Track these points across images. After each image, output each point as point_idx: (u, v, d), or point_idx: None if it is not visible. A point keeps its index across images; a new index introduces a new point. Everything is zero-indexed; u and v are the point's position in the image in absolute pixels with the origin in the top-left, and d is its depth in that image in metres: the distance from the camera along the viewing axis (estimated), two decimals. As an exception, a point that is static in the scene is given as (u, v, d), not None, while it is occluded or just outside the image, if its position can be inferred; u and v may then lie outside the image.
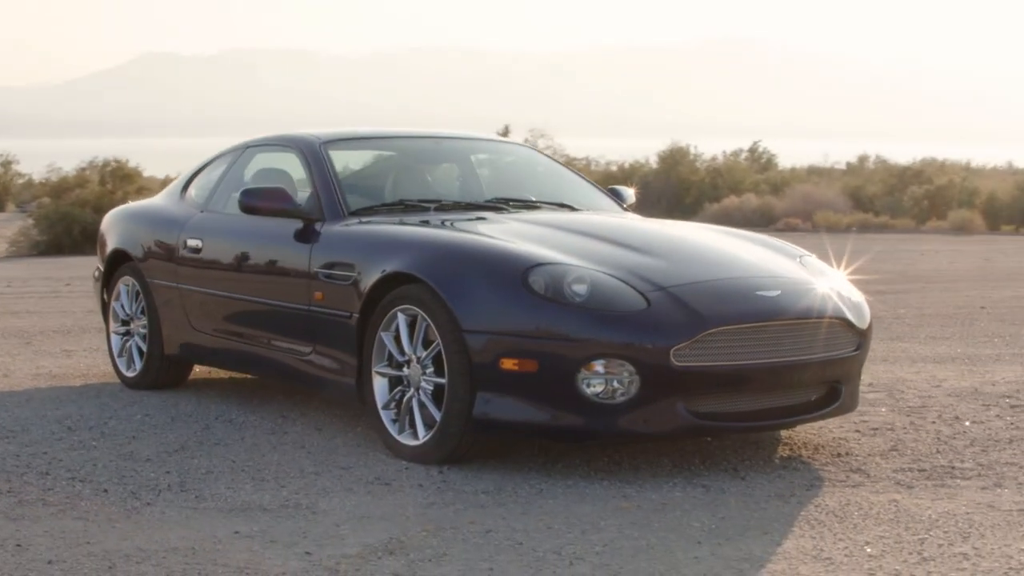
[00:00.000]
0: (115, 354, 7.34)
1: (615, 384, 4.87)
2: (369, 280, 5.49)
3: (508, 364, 4.96)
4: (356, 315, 5.55)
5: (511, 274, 5.07)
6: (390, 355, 5.42)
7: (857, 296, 5.59)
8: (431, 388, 5.24)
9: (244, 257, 6.42)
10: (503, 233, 5.56)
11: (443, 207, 6.22)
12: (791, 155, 44.42)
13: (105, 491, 4.87)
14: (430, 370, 5.24)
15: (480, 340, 5.01)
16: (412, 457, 5.28)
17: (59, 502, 4.72)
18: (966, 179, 31.42)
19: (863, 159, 45.76)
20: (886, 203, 29.75)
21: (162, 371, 7.06)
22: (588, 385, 4.87)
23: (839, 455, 5.45)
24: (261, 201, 6.12)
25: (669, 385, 4.90)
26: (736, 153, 41.29)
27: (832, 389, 5.39)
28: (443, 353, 5.11)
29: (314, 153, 6.39)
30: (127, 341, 7.26)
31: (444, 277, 5.17)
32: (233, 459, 5.39)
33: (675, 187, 33.40)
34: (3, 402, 6.71)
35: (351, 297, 5.60)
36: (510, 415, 4.99)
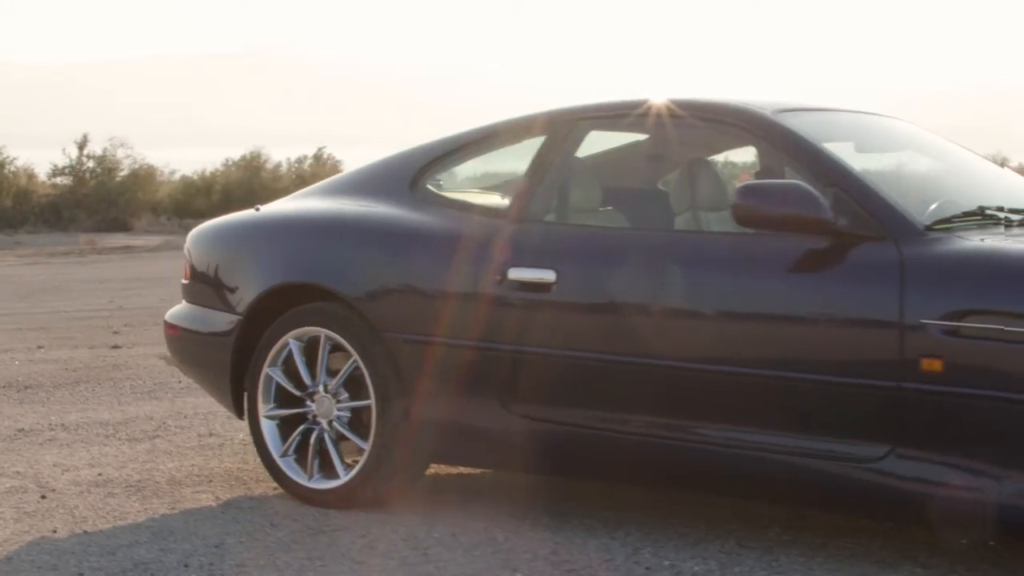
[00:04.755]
0: (274, 452, 4.45)
1: None
2: None
3: None
4: None
5: None
6: None
7: None
8: None
9: (702, 298, 3.86)
10: None
11: (1013, 221, 3.89)
12: (358, 160, 46.45)
13: None
14: None
15: None
16: None
17: None
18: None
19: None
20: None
21: (394, 476, 4.30)
22: None
23: None
24: (779, 206, 3.65)
25: None
26: (301, 160, 43.26)
27: None
28: None
29: (786, 134, 3.98)
30: (309, 432, 4.40)
31: None
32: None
33: (260, 193, 34.15)
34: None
35: None
36: None
